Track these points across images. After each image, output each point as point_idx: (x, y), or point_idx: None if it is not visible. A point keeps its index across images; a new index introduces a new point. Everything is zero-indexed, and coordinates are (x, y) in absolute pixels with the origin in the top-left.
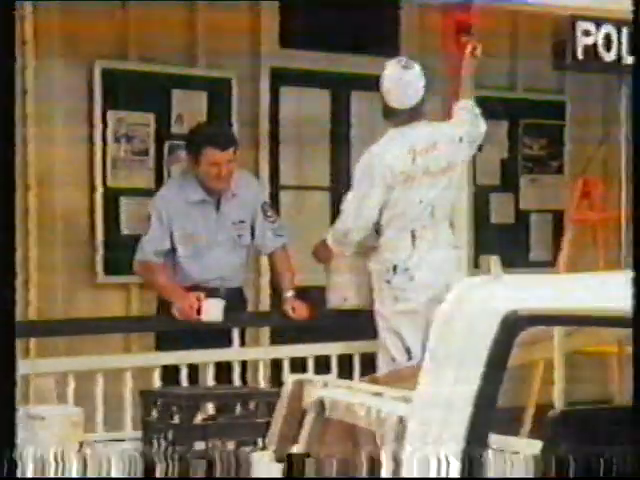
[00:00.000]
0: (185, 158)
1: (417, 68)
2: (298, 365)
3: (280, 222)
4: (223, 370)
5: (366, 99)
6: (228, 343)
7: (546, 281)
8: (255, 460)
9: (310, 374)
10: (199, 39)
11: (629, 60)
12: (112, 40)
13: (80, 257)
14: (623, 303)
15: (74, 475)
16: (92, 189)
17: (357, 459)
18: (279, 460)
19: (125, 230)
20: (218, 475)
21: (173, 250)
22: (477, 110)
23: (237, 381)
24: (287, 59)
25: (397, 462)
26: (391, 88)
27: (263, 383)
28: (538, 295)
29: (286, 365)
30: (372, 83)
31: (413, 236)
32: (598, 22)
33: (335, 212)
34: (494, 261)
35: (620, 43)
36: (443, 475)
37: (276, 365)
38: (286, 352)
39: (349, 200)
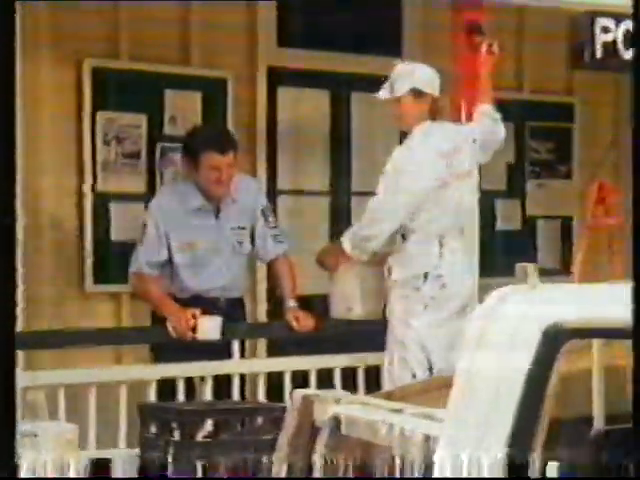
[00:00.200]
0: (179, 162)
1: None
2: (297, 377)
3: (281, 227)
4: (220, 383)
5: (367, 100)
6: (227, 354)
7: (584, 291)
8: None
9: (313, 388)
10: (193, 37)
11: None
12: (102, 37)
13: (68, 265)
14: None
15: None
16: (81, 194)
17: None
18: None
19: (115, 236)
20: None
21: (170, 260)
22: (497, 115)
23: (236, 395)
24: (285, 58)
25: None
26: (427, 69)
27: (262, 397)
28: (578, 306)
29: (288, 378)
30: (373, 83)
31: (441, 243)
32: (618, 18)
33: (335, 218)
34: (530, 269)
35: None
36: None
37: (273, 377)
38: (288, 364)
39: (378, 202)
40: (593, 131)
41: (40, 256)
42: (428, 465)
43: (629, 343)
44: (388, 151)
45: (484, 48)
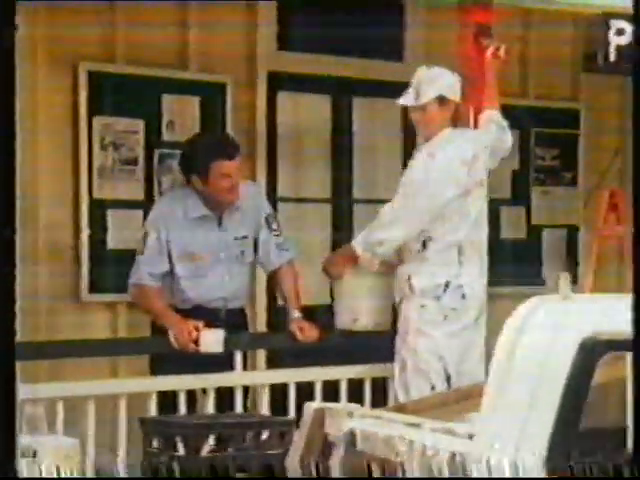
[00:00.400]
0: (179, 171)
1: None
2: (301, 389)
3: (285, 235)
4: (222, 395)
5: (369, 105)
6: (229, 366)
7: (617, 301)
8: None
9: (318, 401)
10: (191, 40)
11: None
12: (98, 41)
13: (63, 273)
14: None
15: None
16: (77, 200)
17: None
18: None
19: (112, 245)
20: None
21: (171, 270)
22: (504, 122)
23: (239, 407)
24: (285, 62)
25: None
26: (451, 75)
27: (266, 410)
28: (613, 317)
29: (292, 390)
30: (375, 88)
31: (460, 251)
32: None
33: (336, 226)
34: (563, 279)
35: None
36: None
37: (273, 390)
38: (292, 376)
39: (397, 208)
40: (598, 138)
41: (35, 264)
42: None
43: None
44: (390, 157)
45: (490, 51)
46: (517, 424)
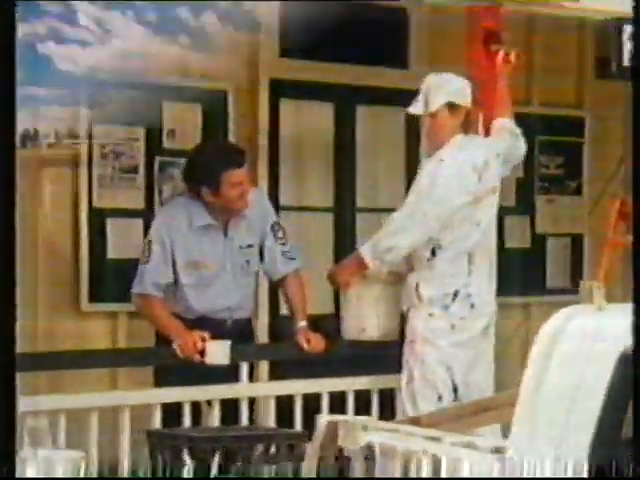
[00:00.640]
0: (179, 177)
1: None
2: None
3: (292, 244)
4: (226, 407)
5: (372, 113)
6: (234, 376)
7: None
8: None
9: (325, 413)
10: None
11: None
12: None
13: (63, 283)
14: None
15: None
16: (76, 209)
17: None
18: None
19: (112, 254)
20: None
21: (175, 280)
22: (518, 130)
23: (244, 420)
24: (287, 70)
25: None
26: (460, 80)
27: (272, 422)
28: None
29: (299, 402)
30: (378, 96)
31: (470, 260)
32: None
33: (339, 235)
34: (597, 289)
35: None
36: None
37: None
38: (299, 387)
39: (406, 215)
40: (604, 146)
41: (34, 273)
42: None
43: None
44: (394, 166)
45: (501, 56)
46: (554, 440)
